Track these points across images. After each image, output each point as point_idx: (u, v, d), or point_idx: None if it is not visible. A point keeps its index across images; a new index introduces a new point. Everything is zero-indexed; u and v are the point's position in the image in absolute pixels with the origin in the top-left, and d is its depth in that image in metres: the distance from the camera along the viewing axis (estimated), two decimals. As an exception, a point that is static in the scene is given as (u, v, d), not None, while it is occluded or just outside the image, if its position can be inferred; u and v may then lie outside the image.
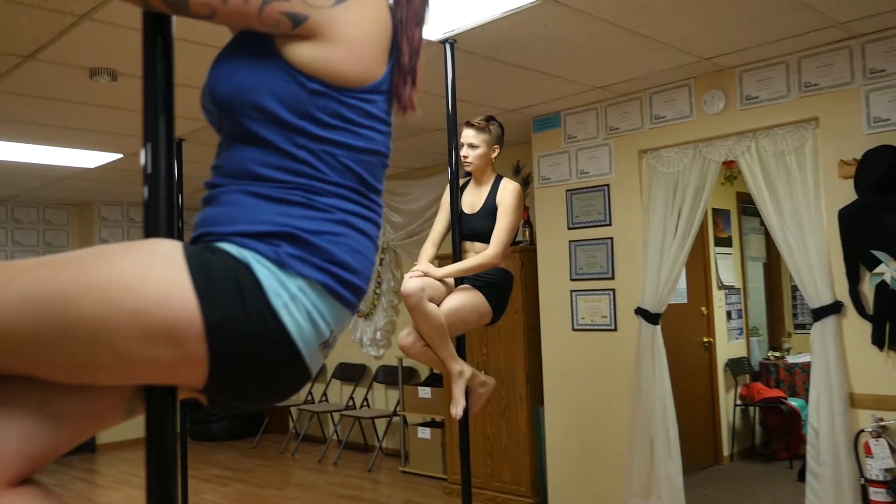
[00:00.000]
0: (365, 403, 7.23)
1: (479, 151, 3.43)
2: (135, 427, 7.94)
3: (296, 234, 1.13)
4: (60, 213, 8.14)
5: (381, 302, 7.11)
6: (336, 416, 7.36)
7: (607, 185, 4.68)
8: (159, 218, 1.16)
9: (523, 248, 5.33)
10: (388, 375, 7.01)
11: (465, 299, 3.34)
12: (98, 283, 1.03)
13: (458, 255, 3.44)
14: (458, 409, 3.29)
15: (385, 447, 6.95)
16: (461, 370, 3.29)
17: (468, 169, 3.49)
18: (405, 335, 3.32)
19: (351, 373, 7.39)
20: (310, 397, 7.67)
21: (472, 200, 3.53)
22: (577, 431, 4.84)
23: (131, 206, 8.27)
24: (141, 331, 1.03)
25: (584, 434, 4.80)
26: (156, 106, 1.19)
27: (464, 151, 3.44)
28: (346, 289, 1.16)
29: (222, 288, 1.06)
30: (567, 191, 4.89)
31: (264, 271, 1.10)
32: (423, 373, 6.78)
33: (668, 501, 4.36)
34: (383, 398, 7.16)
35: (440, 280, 3.33)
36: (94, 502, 5.66)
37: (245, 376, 1.11)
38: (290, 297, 1.10)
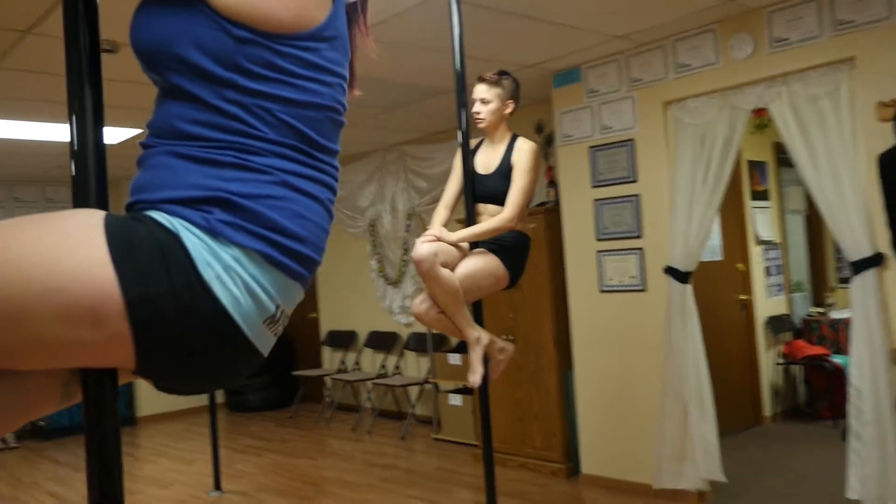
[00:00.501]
0: (397, 371, 7.19)
1: (491, 107, 3.28)
2: (174, 400, 8.06)
3: (229, 198, 1.01)
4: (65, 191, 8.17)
5: (410, 269, 7.03)
6: (369, 384, 7.34)
7: (632, 140, 4.48)
8: (89, 197, 1.07)
9: (548, 208, 5.17)
10: (419, 343, 6.95)
11: (480, 263, 3.22)
12: (9, 259, 0.93)
13: (471, 219, 3.32)
14: (475, 377, 3.19)
15: (418, 414, 6.92)
16: (478, 337, 3.19)
17: (480, 126, 3.35)
18: (418, 302, 3.22)
19: (382, 341, 7.35)
20: (343, 366, 7.66)
21: (486, 161, 3.38)
22: (607, 395, 4.72)
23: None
24: (58, 311, 0.93)
25: (615, 398, 4.68)
26: (80, 75, 1.10)
27: (475, 108, 3.30)
28: (289, 257, 1.05)
29: (145, 260, 0.96)
30: (590, 147, 4.70)
31: (194, 240, 0.99)
32: (454, 339, 6.70)
33: (703, 464, 4.23)
34: (415, 365, 7.11)
35: (454, 245, 3.21)
36: (132, 475, 5.74)
37: (180, 357, 1.01)
38: (223, 268, 0.99)
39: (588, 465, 4.84)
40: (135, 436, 7.29)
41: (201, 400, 8.31)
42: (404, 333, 7.21)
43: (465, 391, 6.11)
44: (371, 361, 7.56)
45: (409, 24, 3.83)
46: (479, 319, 3.32)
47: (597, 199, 4.69)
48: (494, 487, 3.16)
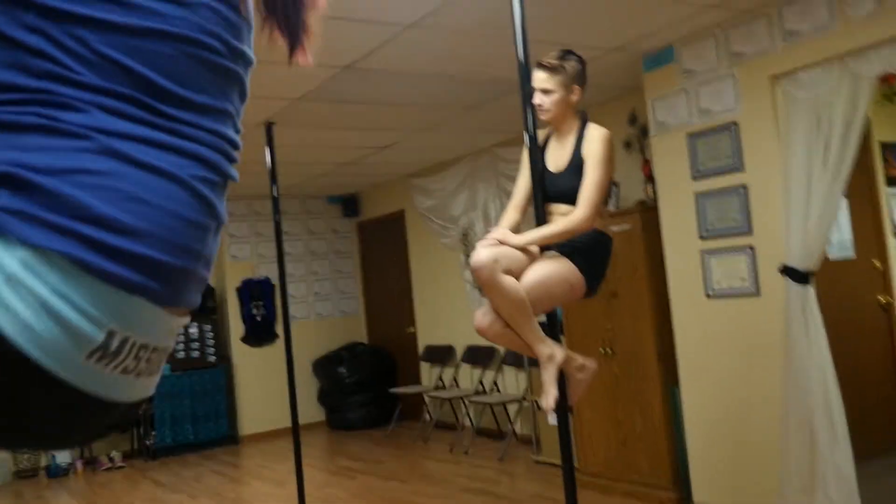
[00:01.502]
0: (495, 388, 6.80)
1: (554, 97, 2.87)
2: (278, 418, 8.00)
3: (20, 175, 0.69)
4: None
5: (504, 279, 6.63)
6: (467, 401, 6.99)
7: (735, 124, 3.93)
8: None
9: (645, 207, 4.67)
10: (516, 357, 6.53)
11: (550, 269, 2.81)
12: None
13: (542, 221, 2.92)
14: (548, 400, 2.78)
15: (518, 433, 6.50)
16: (550, 354, 2.77)
17: (544, 118, 2.94)
18: (480, 315, 2.84)
19: (479, 355, 6.99)
20: (440, 382, 7.35)
21: (556, 156, 2.98)
22: (720, 414, 4.15)
23: (255, 200, 8.30)
24: None
25: (730, 417, 4.11)
26: None
27: (536, 99, 2.90)
28: (114, 261, 0.71)
29: None
30: (688, 135, 4.18)
31: None
32: (553, 352, 6.25)
33: (837, 496, 3.60)
34: (514, 381, 6.70)
35: (520, 249, 2.82)
36: (223, 497, 5.63)
37: None
38: (4, 279, 0.67)
39: (701, 494, 4.28)
40: (236, 455, 7.26)
41: (307, 416, 8.21)
42: (502, 347, 6.82)
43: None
44: (469, 377, 7.20)
45: (468, 8, 3.48)
46: (554, 333, 2.91)
47: (698, 193, 4.15)
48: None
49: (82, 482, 6.69)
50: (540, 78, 2.88)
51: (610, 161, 2.84)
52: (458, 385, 7.26)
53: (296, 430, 5.06)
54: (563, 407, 2.88)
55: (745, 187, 3.92)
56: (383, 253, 8.55)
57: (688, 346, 4.31)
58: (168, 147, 0.76)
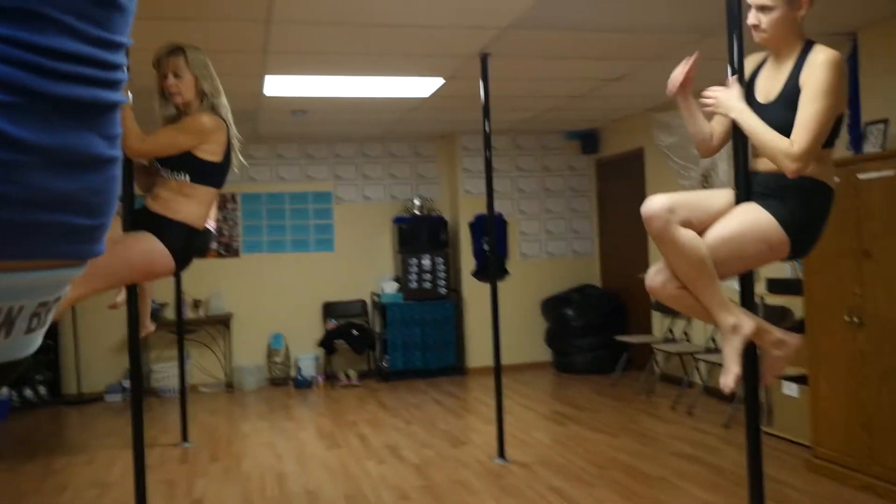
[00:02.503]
0: (729, 346, 6.17)
1: (774, 16, 2.35)
2: (506, 353, 8.05)
3: None
4: (430, 145, 8.46)
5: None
6: (696, 357, 6.44)
7: None
8: None
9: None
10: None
11: (743, 223, 2.36)
12: None
13: (743, 166, 2.45)
14: (727, 379, 2.37)
15: (751, 399, 5.85)
16: (735, 324, 2.35)
17: (759, 41, 2.43)
18: (653, 273, 2.47)
19: (714, 310, 6.36)
20: (670, 334, 6.86)
21: (768, 85, 2.47)
22: None
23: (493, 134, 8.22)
24: None
25: None
26: None
27: (751, 18, 2.40)
28: None
29: None
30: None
31: None
32: (798, 313, 5.49)
33: None
34: (751, 341, 6.02)
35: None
36: (434, 428, 5.78)
37: None
38: None
39: (961, 503, 3.51)
40: (459, 386, 7.43)
41: (533, 356, 8.19)
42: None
43: (803, 379, 4.94)
44: (703, 331, 6.62)
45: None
46: (748, 298, 2.46)
47: None
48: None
49: (321, 394, 7.28)
50: None
51: (835, 92, 2.27)
52: (689, 339, 6.72)
53: (497, 372, 4.99)
54: (751, 389, 2.44)
55: None
56: (620, 192, 8.08)
57: (958, 324, 3.49)
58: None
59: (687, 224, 2.30)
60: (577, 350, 7.82)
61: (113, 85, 0.72)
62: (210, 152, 3.15)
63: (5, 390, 6.71)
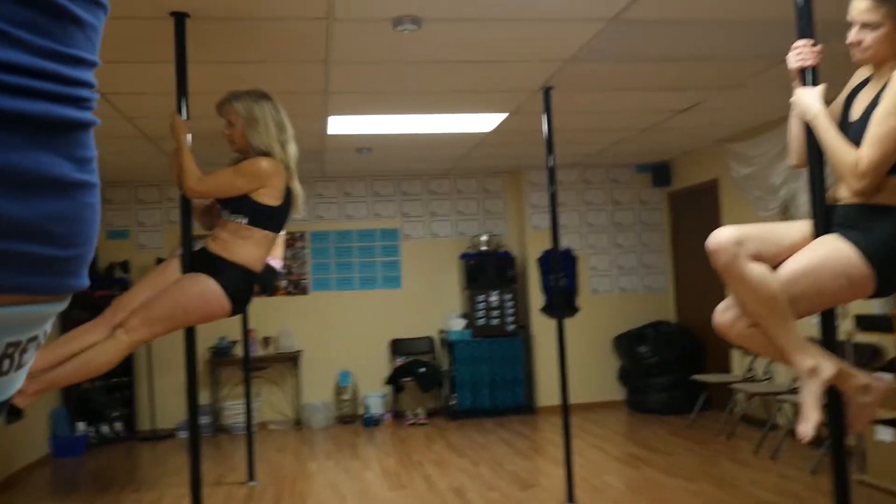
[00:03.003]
0: (814, 386, 5.81)
1: (879, 33, 2.18)
2: (576, 392, 7.82)
3: None
4: (496, 181, 8.40)
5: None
6: (781, 397, 6.09)
7: None
8: None
9: None
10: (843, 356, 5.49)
11: (821, 256, 2.18)
12: None
13: (819, 186, 2.29)
14: (806, 427, 2.17)
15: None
16: (813, 367, 2.16)
17: (861, 59, 2.27)
18: (722, 309, 2.31)
19: (797, 347, 6.02)
20: (751, 373, 6.52)
21: (861, 104, 2.30)
22: None
23: (559, 169, 8.11)
24: None
25: None
26: None
27: (853, 35, 2.24)
28: None
29: None
30: None
31: None
32: (889, 350, 5.14)
33: None
34: (839, 381, 5.66)
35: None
36: (501, 468, 5.61)
37: None
38: None
39: None
40: (528, 426, 7.24)
41: (605, 394, 7.94)
42: (825, 340, 5.79)
43: (897, 423, 4.59)
44: (787, 369, 6.27)
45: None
46: (830, 338, 2.28)
47: None
48: None
49: (389, 433, 7.20)
50: (860, 8, 2.20)
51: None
52: (772, 378, 6.38)
53: (566, 413, 4.82)
54: (837, 435, 2.23)
55: None
56: (695, 225, 7.80)
57: None
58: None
59: (758, 257, 2.14)
60: (651, 389, 7.53)
61: (74, 102, 0.66)
62: (268, 196, 3.16)
63: (83, 426, 6.88)
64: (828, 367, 2.13)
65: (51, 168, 0.64)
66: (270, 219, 3.21)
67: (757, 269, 2.12)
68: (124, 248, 7.60)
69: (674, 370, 7.45)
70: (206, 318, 3.12)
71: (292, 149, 3.31)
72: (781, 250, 2.19)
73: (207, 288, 3.01)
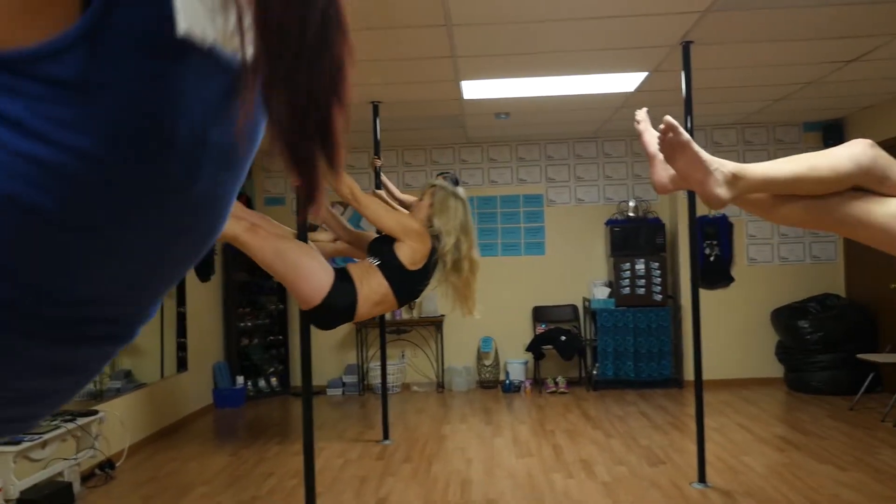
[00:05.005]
0: None
1: None
2: (732, 367, 7.41)
3: None
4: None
5: None
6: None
7: None
8: None
9: None
10: None
11: None
12: None
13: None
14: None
15: None
16: None
17: None
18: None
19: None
20: (928, 355, 5.85)
21: None
22: None
23: (715, 129, 7.62)
24: None
25: None
26: None
27: None
28: None
29: None
30: None
31: None
32: None
33: None
34: None
35: None
36: (635, 443, 5.43)
37: None
38: None
39: None
40: (673, 400, 6.93)
41: (761, 371, 7.47)
42: None
43: None
44: (970, 353, 5.56)
45: None
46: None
47: None
48: None
49: (527, 400, 7.18)
50: None
51: None
52: (952, 361, 5.69)
53: (699, 386, 4.56)
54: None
55: None
56: (870, 190, 7.05)
57: None
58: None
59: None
60: (812, 367, 6.96)
61: None
62: (407, 252, 3.24)
63: (242, 380, 7.41)
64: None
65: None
66: (398, 277, 3.37)
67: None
68: (280, 213, 8.04)
69: (839, 348, 6.83)
70: (292, 284, 3.28)
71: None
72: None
73: (313, 269, 3.29)
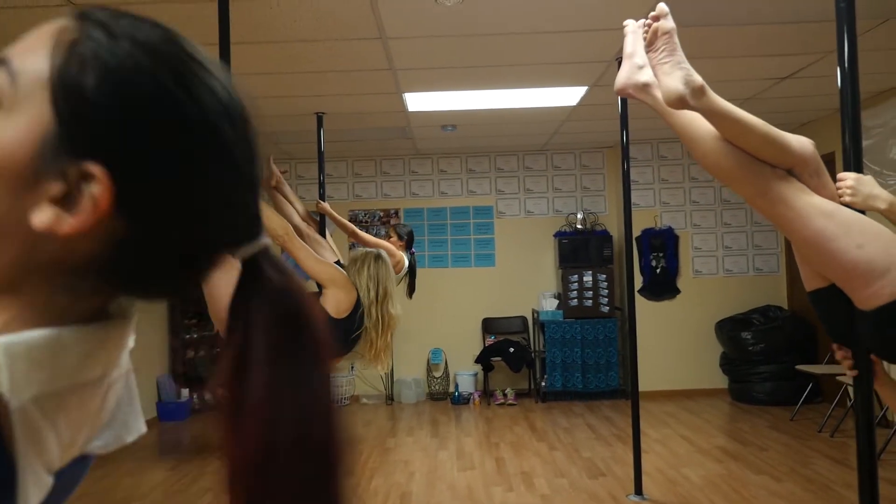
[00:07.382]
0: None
1: None
2: (672, 378, 7.49)
3: None
4: (596, 156, 8.10)
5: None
6: None
7: None
8: None
9: None
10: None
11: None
12: None
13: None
14: None
15: (959, 448, 4.93)
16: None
17: None
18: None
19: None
20: (863, 366, 5.96)
21: None
22: None
23: (661, 143, 7.74)
24: None
25: None
26: None
27: None
28: None
29: None
30: None
31: None
32: None
33: None
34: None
35: None
36: (578, 455, 5.45)
37: None
38: None
39: None
40: (618, 412, 6.99)
41: (705, 382, 7.57)
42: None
43: None
44: (902, 364, 5.69)
45: None
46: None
47: None
48: None
49: (475, 412, 7.18)
50: None
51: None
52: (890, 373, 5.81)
53: (635, 399, 4.60)
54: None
55: None
56: (810, 204, 7.21)
57: None
58: None
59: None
60: (754, 378, 7.08)
61: None
62: (331, 301, 3.29)
63: (187, 392, 7.30)
64: None
65: None
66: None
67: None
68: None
69: (782, 359, 6.95)
70: None
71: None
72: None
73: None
